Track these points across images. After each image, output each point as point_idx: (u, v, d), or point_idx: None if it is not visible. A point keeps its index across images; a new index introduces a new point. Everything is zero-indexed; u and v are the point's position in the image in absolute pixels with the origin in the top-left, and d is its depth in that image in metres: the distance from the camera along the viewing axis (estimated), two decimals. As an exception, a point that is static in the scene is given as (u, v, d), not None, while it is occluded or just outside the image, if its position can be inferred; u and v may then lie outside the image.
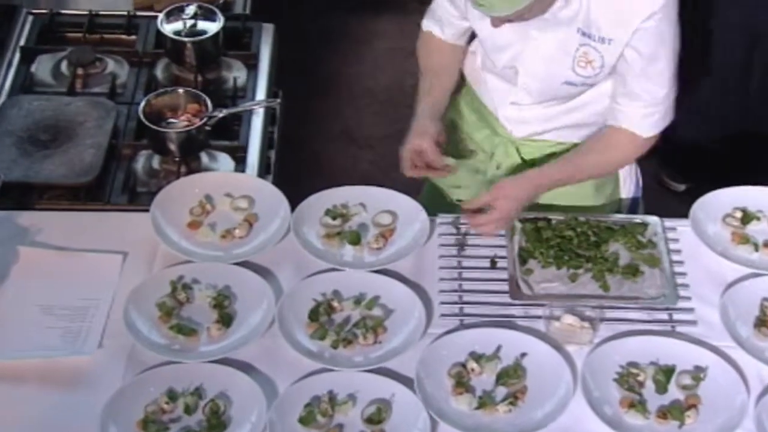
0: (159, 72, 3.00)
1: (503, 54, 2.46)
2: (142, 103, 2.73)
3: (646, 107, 2.37)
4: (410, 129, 2.50)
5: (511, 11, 2.19)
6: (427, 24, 2.62)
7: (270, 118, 2.98)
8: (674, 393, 2.18)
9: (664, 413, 2.13)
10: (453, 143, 2.72)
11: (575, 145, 2.55)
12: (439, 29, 2.59)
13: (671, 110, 2.41)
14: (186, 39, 2.95)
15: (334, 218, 2.48)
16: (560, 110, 2.52)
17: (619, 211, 2.68)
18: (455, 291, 2.37)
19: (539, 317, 2.30)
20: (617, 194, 2.69)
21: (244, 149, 2.80)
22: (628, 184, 2.69)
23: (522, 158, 2.61)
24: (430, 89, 2.57)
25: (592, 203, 2.63)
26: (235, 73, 3.02)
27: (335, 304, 2.31)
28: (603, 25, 2.30)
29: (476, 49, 2.62)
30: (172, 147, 2.70)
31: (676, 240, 2.49)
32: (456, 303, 2.35)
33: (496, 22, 2.27)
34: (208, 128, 2.73)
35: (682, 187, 3.88)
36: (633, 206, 2.72)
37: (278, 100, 2.99)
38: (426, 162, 2.45)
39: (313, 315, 2.28)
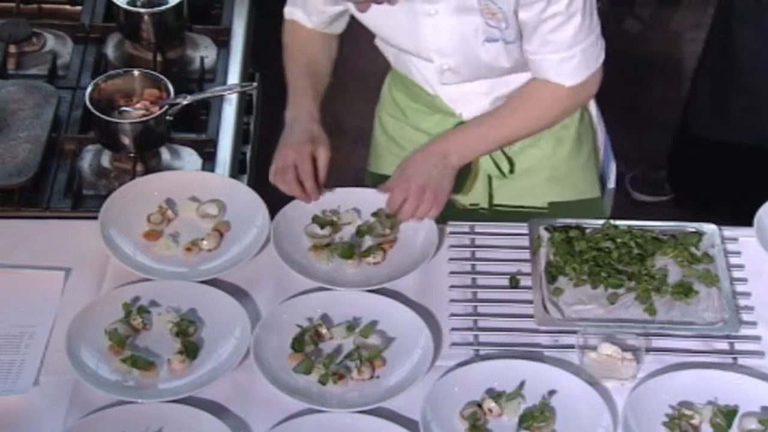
0: (110, 50, 3.00)
1: (399, 38, 2.49)
2: (89, 88, 2.71)
3: (558, 53, 2.43)
4: (292, 130, 2.52)
5: None
6: (291, 11, 2.65)
7: (245, 106, 2.98)
8: (736, 439, 2.19)
9: (724, 464, 2.13)
10: (399, 138, 2.74)
11: None
12: (304, 16, 2.63)
13: (595, 56, 2.46)
14: (143, 10, 2.94)
15: (322, 227, 2.48)
16: (504, 78, 2.55)
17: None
18: (469, 315, 2.36)
19: (571, 347, 2.29)
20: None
21: (213, 144, 2.79)
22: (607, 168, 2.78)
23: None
24: (313, 87, 2.59)
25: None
26: (203, 52, 3.02)
27: (324, 330, 2.30)
28: None
29: None
30: (126, 141, 2.68)
31: (737, 253, 2.48)
32: (470, 329, 2.34)
33: (361, 6, 2.34)
34: (169, 118, 2.72)
35: (645, 198, 4.18)
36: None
37: (255, 85, 2.99)
38: (302, 177, 2.47)
39: (297, 344, 2.26)
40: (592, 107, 2.74)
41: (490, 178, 2.68)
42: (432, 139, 2.56)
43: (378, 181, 2.78)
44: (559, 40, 2.42)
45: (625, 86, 4.13)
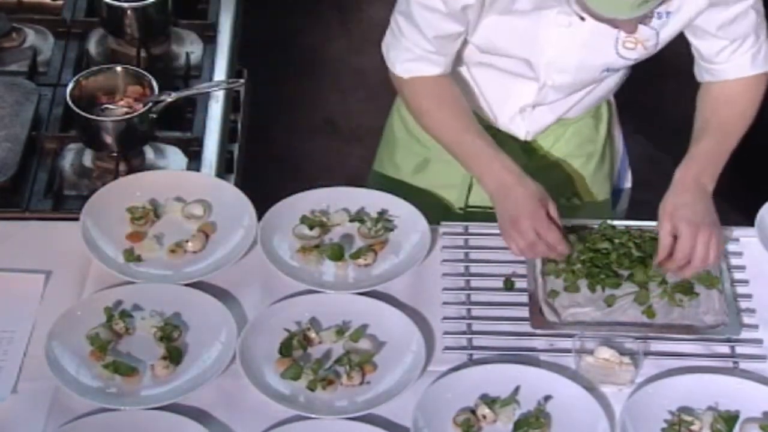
0: (92, 46, 3.00)
1: (516, 50, 2.45)
2: (71, 85, 2.71)
3: (752, 45, 2.46)
4: (508, 200, 2.38)
5: (640, 12, 2.19)
6: (410, 67, 2.48)
7: (232, 103, 2.98)
8: (738, 445, 2.18)
9: (725, 471, 2.14)
10: (422, 136, 2.67)
11: (572, 123, 2.65)
12: (430, 65, 2.47)
13: None
14: (126, 4, 2.93)
15: (311, 228, 2.48)
16: (582, 94, 2.58)
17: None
18: (462, 318, 2.36)
19: (567, 351, 2.29)
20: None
21: (198, 142, 2.79)
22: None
23: (522, 150, 2.66)
24: (489, 143, 2.45)
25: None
26: (189, 48, 3.02)
27: (312, 334, 2.30)
28: None
29: None
30: (109, 139, 2.69)
31: (738, 254, 2.48)
32: (464, 333, 2.34)
33: (629, 27, 2.29)
34: (153, 116, 2.72)
35: None
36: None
37: (242, 81, 3.00)
38: (553, 245, 2.37)
39: (285, 349, 2.26)
40: (614, 113, 2.78)
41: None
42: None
43: (387, 184, 2.74)
44: (750, 33, 2.44)
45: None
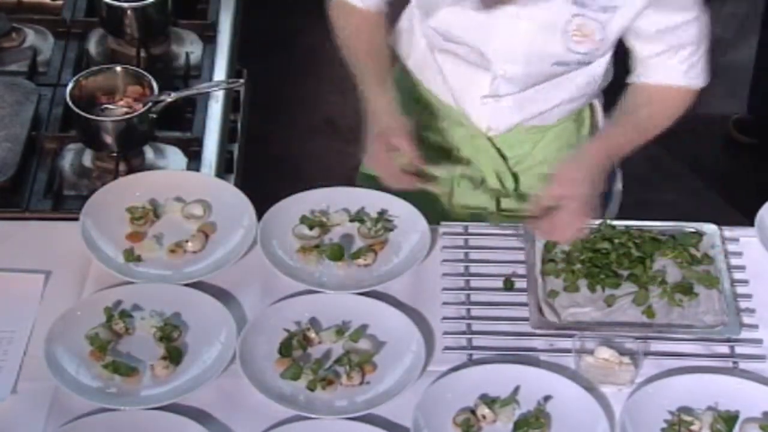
0: (92, 46, 3.01)
1: (468, 37, 2.47)
2: (70, 85, 2.72)
3: (688, 56, 2.48)
4: (377, 124, 2.47)
5: None
6: None
7: (232, 103, 2.98)
8: (738, 446, 2.18)
9: (725, 471, 2.14)
10: None
11: (552, 128, 2.65)
12: None
13: (709, 59, 2.53)
14: (125, 4, 2.94)
15: (311, 228, 2.48)
16: (547, 90, 2.56)
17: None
18: (462, 318, 2.37)
19: (567, 351, 2.29)
20: None
21: (198, 142, 2.80)
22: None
23: (497, 149, 2.65)
24: (380, 71, 2.54)
25: None
26: (188, 48, 3.03)
27: (312, 335, 2.30)
28: None
29: (414, 22, 2.61)
30: (108, 139, 2.69)
31: (738, 254, 2.48)
32: (463, 333, 2.34)
33: (488, 1, 2.31)
34: (153, 116, 2.73)
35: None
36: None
37: (242, 81, 3.00)
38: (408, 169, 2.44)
39: (285, 349, 2.27)
40: (599, 114, 2.77)
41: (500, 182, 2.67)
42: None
43: (373, 183, 2.75)
44: (690, 44, 2.47)
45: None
